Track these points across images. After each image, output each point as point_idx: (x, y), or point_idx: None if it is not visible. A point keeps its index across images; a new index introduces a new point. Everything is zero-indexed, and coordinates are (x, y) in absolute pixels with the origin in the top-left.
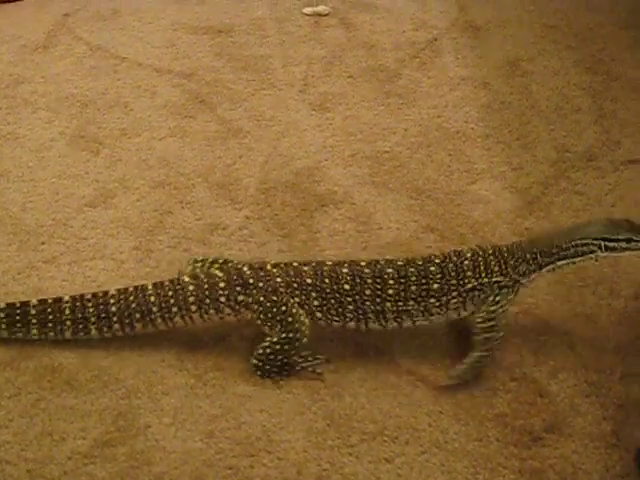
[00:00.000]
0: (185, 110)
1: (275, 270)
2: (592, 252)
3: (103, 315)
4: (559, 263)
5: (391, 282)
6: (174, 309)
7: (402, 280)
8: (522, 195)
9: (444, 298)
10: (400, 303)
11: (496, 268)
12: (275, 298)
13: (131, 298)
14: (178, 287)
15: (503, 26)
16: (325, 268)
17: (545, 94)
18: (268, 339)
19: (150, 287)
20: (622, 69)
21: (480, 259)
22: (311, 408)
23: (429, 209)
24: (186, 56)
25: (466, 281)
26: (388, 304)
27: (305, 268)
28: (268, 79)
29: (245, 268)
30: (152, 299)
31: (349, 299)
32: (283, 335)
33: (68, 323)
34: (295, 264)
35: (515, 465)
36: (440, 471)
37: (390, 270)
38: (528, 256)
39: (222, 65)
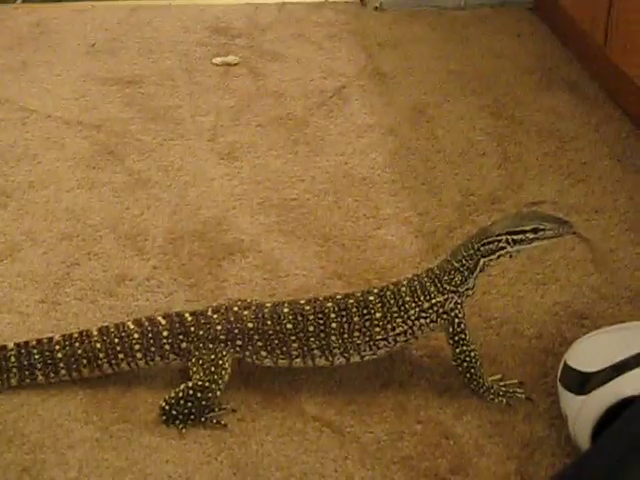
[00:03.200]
0: (94, 161)
1: (216, 316)
2: (502, 249)
3: (49, 362)
4: (483, 260)
5: (333, 315)
6: (120, 356)
7: (343, 312)
8: (427, 239)
9: (389, 326)
10: (345, 336)
11: (432, 288)
12: (211, 346)
13: (77, 345)
14: (124, 334)
15: (410, 73)
16: (265, 310)
17: (450, 139)
18: (184, 384)
19: (95, 333)
20: (526, 113)
21: (416, 284)
22: (217, 457)
23: (336, 256)
24: (95, 107)
25: (407, 307)
26: (333, 337)
27: (245, 312)
28: (177, 129)
29: (187, 315)
30: (98, 346)
31: (293, 337)
32: (200, 383)
33: (14, 370)
34: (235, 309)
35: None
36: None
37: (330, 304)
38: (457, 264)
39: (131, 116)
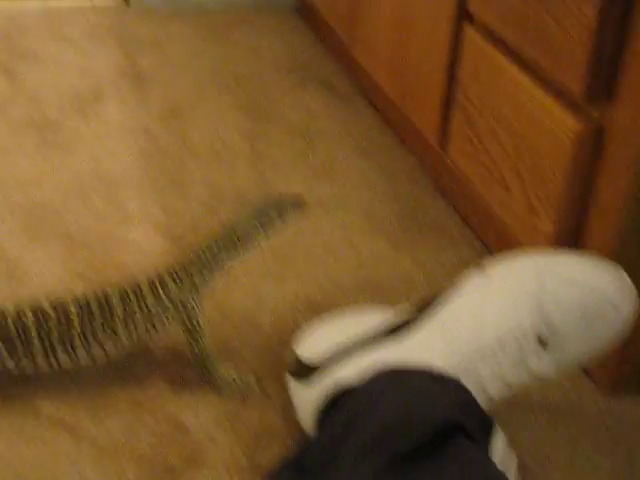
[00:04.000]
0: None
1: None
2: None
3: None
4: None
5: (72, 309)
6: None
7: (86, 310)
8: (173, 237)
9: (129, 320)
10: (88, 332)
11: (171, 284)
12: None
13: None
14: None
15: (167, 73)
16: (9, 320)
17: (202, 138)
18: None
19: None
20: (280, 111)
21: (156, 279)
22: None
23: (80, 257)
24: None
25: (147, 302)
26: (73, 330)
27: None
28: None
29: None
30: None
31: (34, 336)
32: None
33: None
34: None
35: None
36: None
37: (73, 309)
38: (197, 261)
39: None
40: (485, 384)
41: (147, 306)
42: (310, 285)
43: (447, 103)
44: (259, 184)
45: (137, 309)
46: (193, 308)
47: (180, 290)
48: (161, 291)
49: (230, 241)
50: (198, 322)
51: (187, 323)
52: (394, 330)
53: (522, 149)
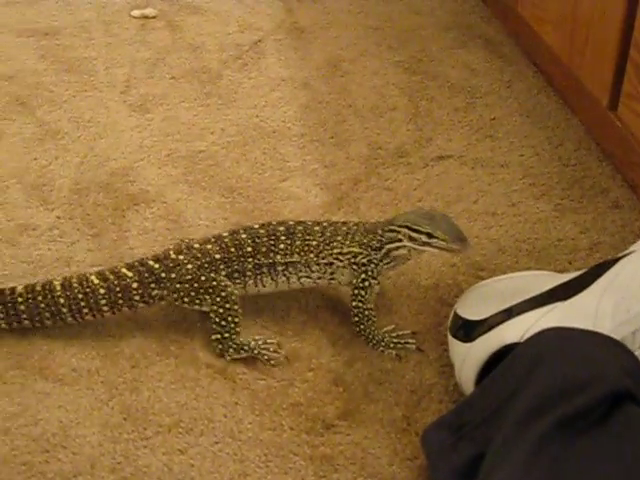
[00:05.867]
0: (4, 113)
1: (182, 257)
2: (400, 240)
3: (12, 312)
4: (387, 247)
5: (282, 238)
6: (85, 310)
7: (290, 236)
8: (332, 191)
9: (321, 254)
10: (287, 256)
11: (363, 239)
12: (190, 277)
13: (39, 298)
14: (88, 290)
15: (327, 28)
16: (226, 240)
17: (363, 93)
18: (210, 319)
19: (59, 288)
20: (440, 69)
21: (354, 227)
22: (108, 403)
23: (240, 206)
24: (10, 58)
25: (335, 245)
26: (279, 257)
27: (209, 246)
28: (90, 81)
29: (152, 263)
30: (62, 301)
31: (250, 259)
32: (218, 299)
33: None
34: (197, 245)
35: (306, 452)
36: (232, 460)
37: (282, 228)
38: (366, 239)
39: (45, 67)
40: None
41: (333, 248)
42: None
43: (621, 62)
44: (419, 141)
45: (328, 247)
46: (366, 270)
47: (359, 247)
48: (348, 240)
49: (388, 233)
50: (365, 286)
51: (354, 281)
52: (559, 292)
53: None
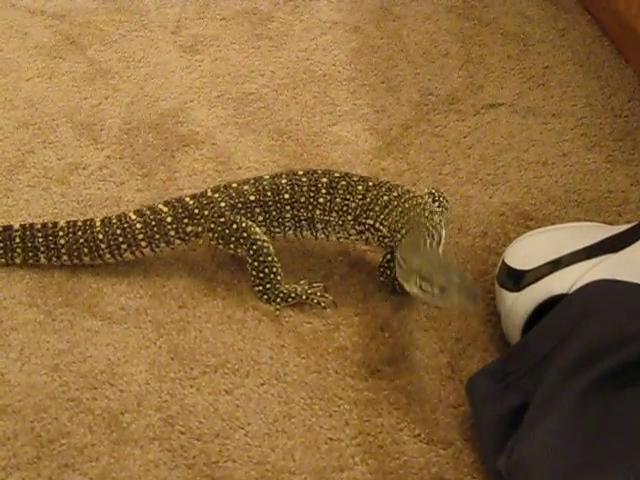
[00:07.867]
0: (55, 51)
1: (217, 195)
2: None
3: (52, 246)
4: None
5: (323, 191)
6: (123, 246)
7: (332, 191)
8: (382, 137)
9: (358, 219)
10: (326, 213)
11: (396, 223)
12: (223, 220)
13: (79, 233)
14: (126, 225)
15: None
16: (265, 183)
17: (415, 39)
18: (248, 270)
19: (98, 224)
20: (493, 15)
21: (395, 201)
22: (156, 342)
23: (289, 150)
24: None
25: (380, 206)
26: (317, 212)
27: (245, 187)
28: (141, 21)
29: (187, 199)
30: (100, 236)
31: (287, 208)
32: (251, 252)
33: (18, 250)
34: (235, 185)
35: (351, 396)
36: (277, 402)
37: (324, 180)
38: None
39: (96, 7)
40: None
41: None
42: (519, 193)
43: None
44: (471, 88)
45: (365, 213)
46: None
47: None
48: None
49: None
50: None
51: (384, 261)
52: (609, 245)
53: None
